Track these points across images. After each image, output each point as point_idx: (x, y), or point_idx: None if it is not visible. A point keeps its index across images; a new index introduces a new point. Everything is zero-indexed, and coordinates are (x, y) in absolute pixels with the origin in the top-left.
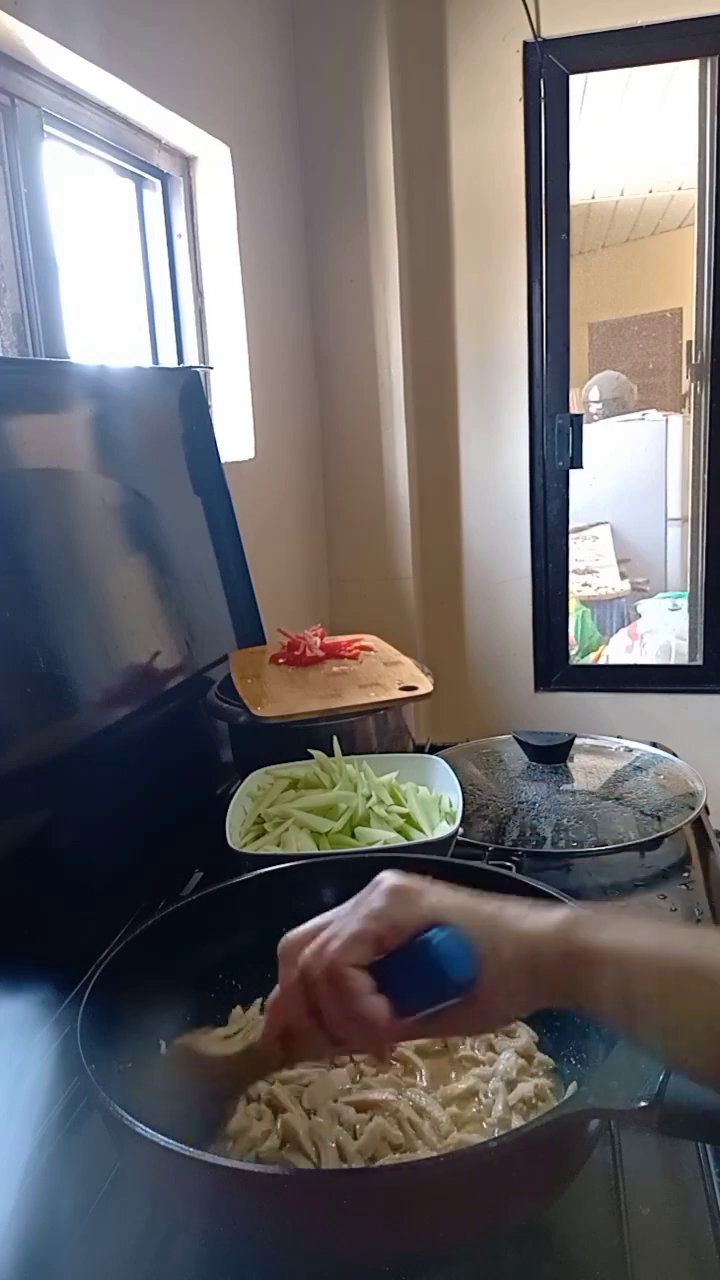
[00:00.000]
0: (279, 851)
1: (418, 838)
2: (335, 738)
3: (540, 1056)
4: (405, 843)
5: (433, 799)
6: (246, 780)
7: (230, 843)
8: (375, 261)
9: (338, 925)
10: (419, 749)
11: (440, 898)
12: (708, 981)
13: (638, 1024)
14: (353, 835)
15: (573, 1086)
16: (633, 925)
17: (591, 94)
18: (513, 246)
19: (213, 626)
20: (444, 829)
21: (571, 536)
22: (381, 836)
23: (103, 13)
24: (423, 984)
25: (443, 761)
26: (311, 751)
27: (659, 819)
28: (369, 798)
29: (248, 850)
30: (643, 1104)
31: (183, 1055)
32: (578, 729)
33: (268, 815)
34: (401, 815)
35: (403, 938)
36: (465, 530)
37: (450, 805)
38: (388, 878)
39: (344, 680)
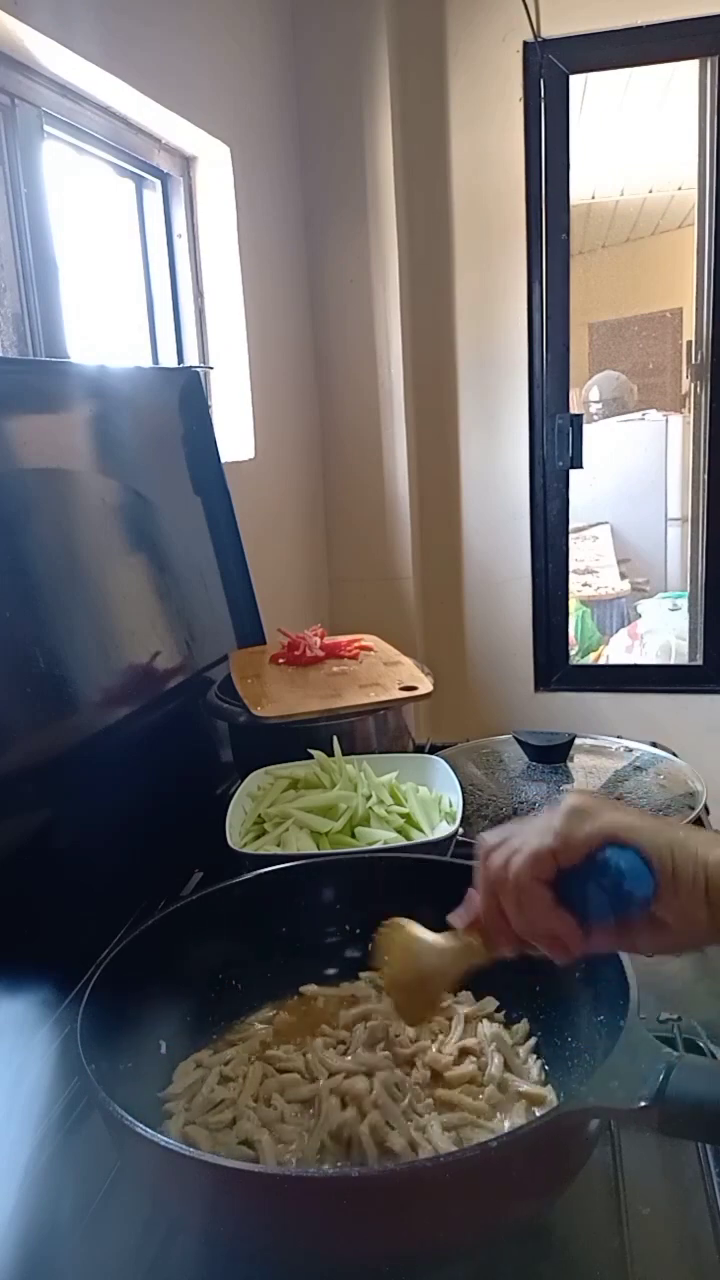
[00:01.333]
0: (279, 851)
1: (417, 838)
2: (335, 738)
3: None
4: (405, 843)
5: (433, 799)
6: (246, 780)
7: (230, 843)
8: (375, 261)
9: (522, 839)
10: (419, 749)
11: (621, 816)
12: None
13: None
14: (353, 835)
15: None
16: None
17: (591, 94)
18: (513, 246)
19: (213, 626)
20: (444, 829)
21: (571, 536)
22: (381, 836)
23: (103, 13)
24: (602, 899)
25: (443, 761)
26: (311, 751)
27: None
28: (369, 798)
29: (247, 850)
30: (643, 1104)
31: (398, 937)
32: (578, 729)
33: (268, 815)
34: (401, 815)
35: (580, 854)
36: (465, 530)
37: (450, 805)
38: (571, 797)
39: (344, 680)
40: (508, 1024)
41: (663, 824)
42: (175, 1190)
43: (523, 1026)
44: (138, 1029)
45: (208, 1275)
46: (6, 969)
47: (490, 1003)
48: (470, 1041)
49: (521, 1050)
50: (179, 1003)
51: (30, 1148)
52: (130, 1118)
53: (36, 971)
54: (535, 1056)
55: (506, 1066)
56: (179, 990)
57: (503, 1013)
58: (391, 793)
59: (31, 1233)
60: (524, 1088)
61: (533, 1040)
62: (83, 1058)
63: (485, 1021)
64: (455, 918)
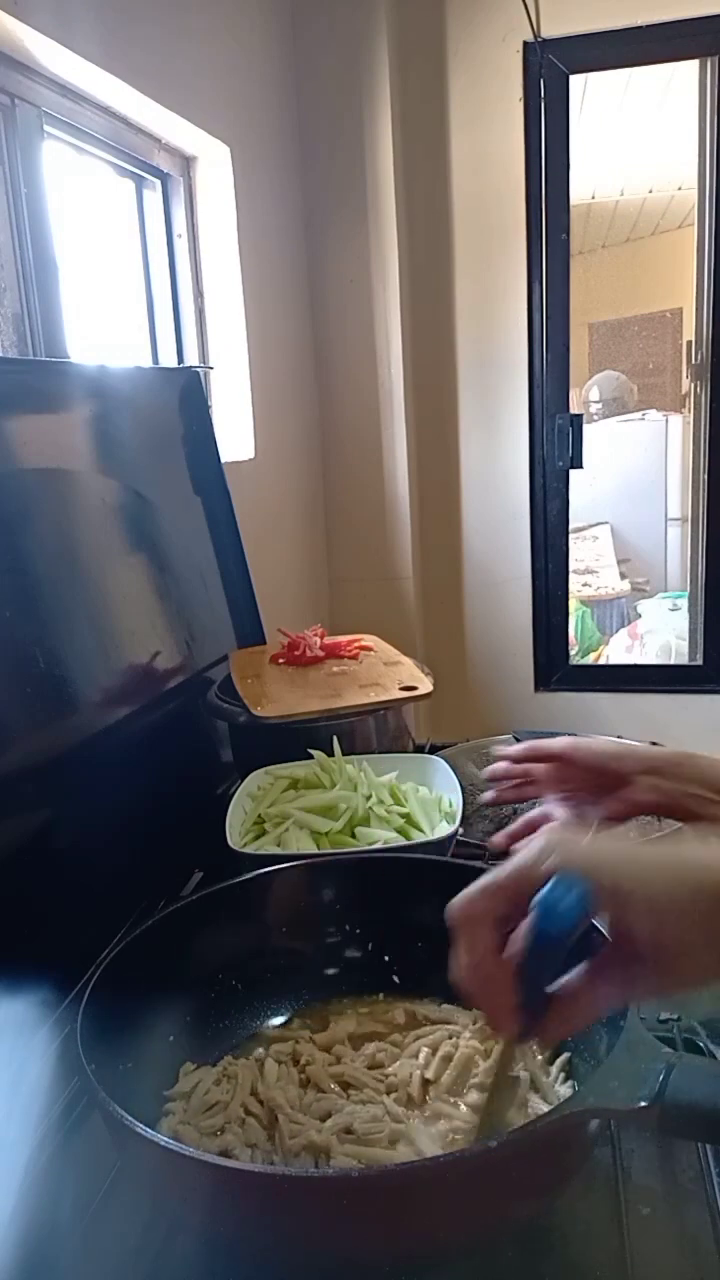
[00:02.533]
0: (278, 851)
1: (418, 837)
2: (335, 737)
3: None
4: (405, 842)
5: (433, 799)
6: (246, 780)
7: (230, 843)
8: (375, 261)
9: (490, 875)
10: (419, 749)
11: (588, 848)
12: None
13: None
14: (353, 835)
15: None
16: None
17: (591, 94)
18: (513, 246)
19: (213, 626)
20: (444, 829)
21: (571, 536)
22: (381, 836)
23: (103, 13)
24: (547, 940)
25: (443, 761)
26: (311, 751)
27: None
28: (369, 798)
29: (248, 850)
30: (643, 1104)
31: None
32: (578, 729)
33: (268, 815)
34: (402, 815)
35: (531, 891)
36: (465, 530)
37: (450, 805)
38: (548, 830)
39: (344, 680)
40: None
41: (641, 849)
42: (175, 1190)
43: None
44: (138, 1029)
45: (208, 1275)
46: (6, 969)
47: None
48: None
49: (553, 1068)
50: (179, 1003)
51: (30, 1148)
52: (130, 1118)
53: (36, 971)
54: (565, 1076)
55: (533, 1085)
56: (179, 990)
57: None
58: (392, 793)
59: (31, 1233)
60: (543, 1108)
61: (565, 1056)
62: (83, 1058)
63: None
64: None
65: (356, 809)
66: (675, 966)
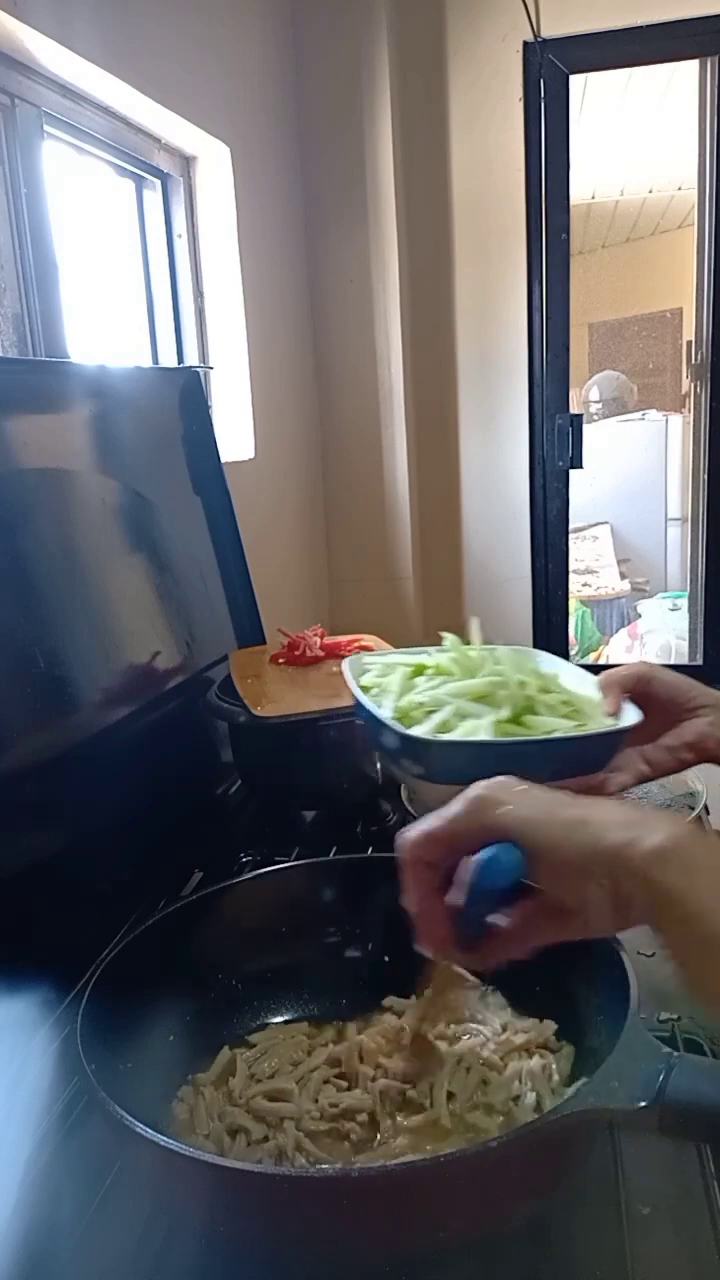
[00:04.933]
0: (465, 738)
1: (594, 728)
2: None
3: (561, 1045)
4: (588, 733)
5: (577, 689)
6: (350, 669)
7: (408, 731)
8: (375, 261)
9: (428, 819)
10: None
11: (518, 806)
12: None
13: (708, 998)
14: (517, 724)
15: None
16: None
17: (591, 94)
18: (513, 246)
19: (213, 626)
20: (631, 715)
21: (571, 536)
22: (559, 725)
23: (103, 13)
24: (482, 892)
25: (546, 654)
26: (443, 635)
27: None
28: (522, 684)
29: (439, 737)
30: (643, 1104)
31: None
32: None
33: (411, 705)
34: (564, 703)
35: (465, 848)
36: (465, 530)
37: (594, 696)
38: (479, 785)
39: (344, 680)
40: (556, 1040)
41: (556, 808)
42: (175, 1190)
43: (567, 1053)
44: (138, 1029)
45: (208, 1275)
46: (6, 969)
47: (549, 1026)
48: (513, 1089)
49: (553, 1069)
50: (179, 1002)
51: (30, 1148)
52: (130, 1118)
53: (36, 971)
54: (564, 1077)
55: (538, 1106)
56: (179, 990)
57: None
58: (543, 680)
59: (31, 1233)
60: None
61: (580, 1082)
62: (83, 1058)
63: (535, 1057)
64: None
65: (518, 696)
66: (589, 920)
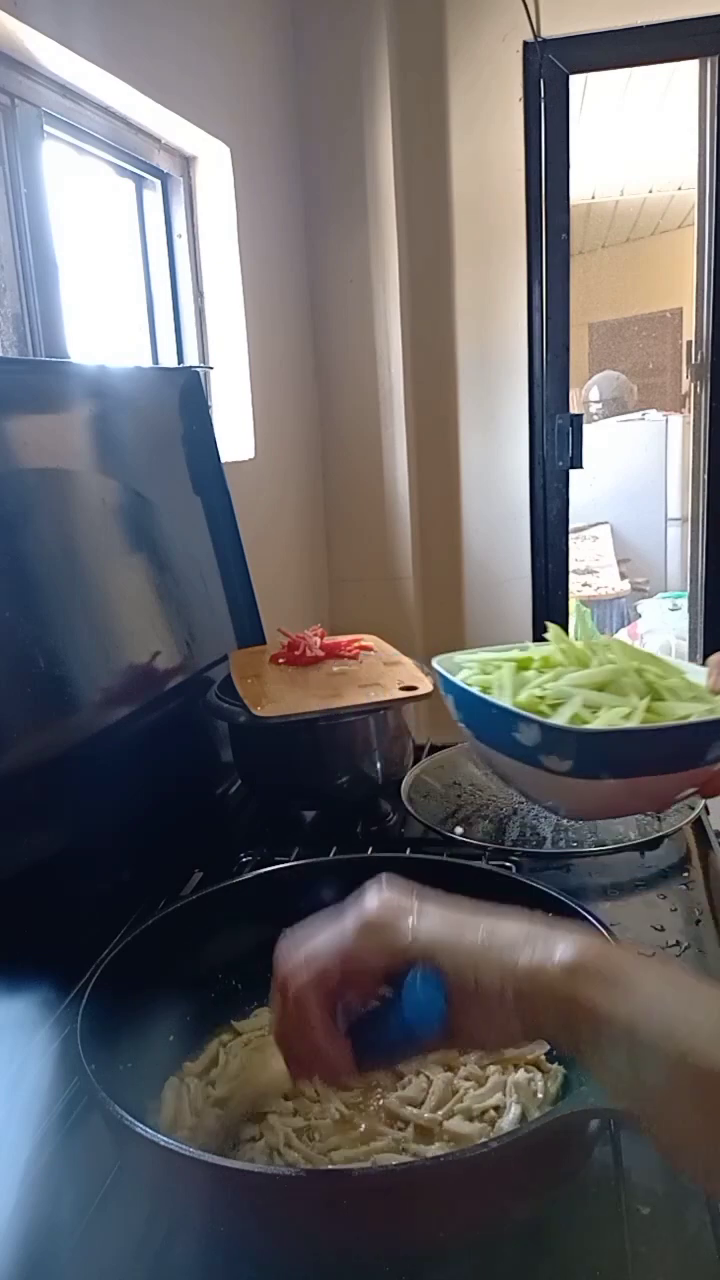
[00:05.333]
0: (610, 727)
1: None
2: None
3: (552, 1067)
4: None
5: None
6: (441, 666)
7: (559, 723)
8: (375, 261)
9: (317, 947)
10: (419, 749)
11: (422, 929)
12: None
13: (638, 1117)
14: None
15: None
16: (649, 989)
17: (591, 94)
18: (513, 246)
19: (213, 626)
20: None
21: (571, 536)
22: (694, 709)
23: (103, 13)
24: (394, 1027)
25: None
26: (549, 625)
27: (659, 819)
28: (640, 671)
29: (589, 728)
30: None
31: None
32: None
33: (533, 701)
34: (688, 687)
35: (372, 982)
36: (465, 530)
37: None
38: (369, 898)
39: (344, 680)
40: (548, 1061)
41: (461, 929)
42: (175, 1190)
43: (556, 1074)
44: (137, 1029)
45: (208, 1275)
46: (6, 969)
47: (539, 1045)
48: (495, 1099)
49: (531, 1060)
50: (179, 1002)
51: (30, 1148)
52: (130, 1118)
53: (36, 971)
54: (563, 1077)
55: (524, 1118)
56: (179, 990)
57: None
58: (658, 665)
59: (31, 1233)
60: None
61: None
62: (83, 1058)
63: (522, 1070)
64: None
65: (638, 683)
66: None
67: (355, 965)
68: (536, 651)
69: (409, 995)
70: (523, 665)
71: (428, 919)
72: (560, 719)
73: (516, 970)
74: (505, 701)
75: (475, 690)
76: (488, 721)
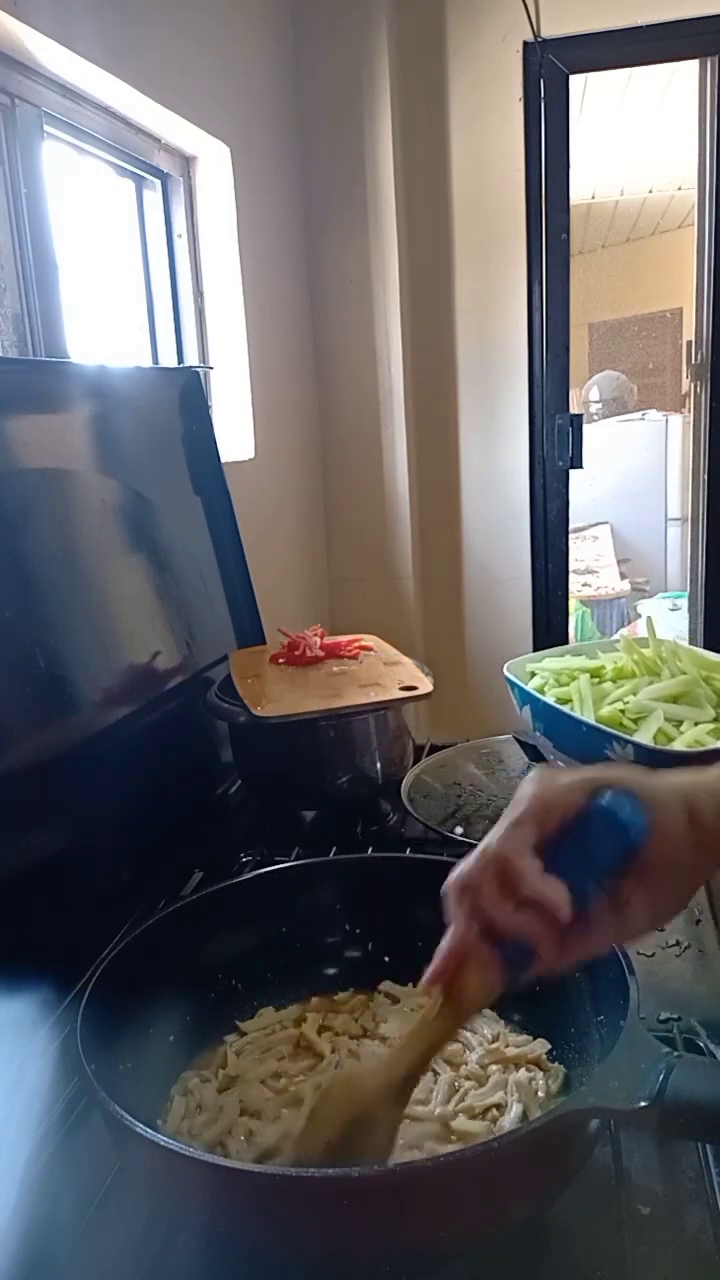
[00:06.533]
0: (692, 749)
1: None
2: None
3: (553, 1066)
4: None
5: None
6: (514, 671)
7: (639, 739)
8: (375, 261)
9: (493, 834)
10: (419, 749)
11: (591, 769)
12: None
13: None
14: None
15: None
16: None
17: (591, 94)
18: (513, 246)
19: (213, 626)
20: None
21: (571, 536)
22: None
23: (103, 13)
24: (594, 855)
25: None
26: (618, 637)
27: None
28: (708, 680)
29: (669, 748)
30: (643, 1104)
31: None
32: None
33: (612, 714)
34: None
35: (560, 814)
36: (465, 530)
37: None
38: (530, 776)
39: (344, 680)
40: (549, 1061)
41: (629, 769)
42: (175, 1190)
43: (557, 1074)
44: (138, 1029)
45: (208, 1275)
46: (6, 969)
47: (541, 1045)
48: (497, 1097)
49: (533, 1059)
50: (179, 1002)
51: (30, 1148)
52: (130, 1118)
53: (36, 971)
54: (562, 1077)
55: (525, 1117)
56: (179, 990)
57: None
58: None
59: (31, 1233)
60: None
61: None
62: (83, 1058)
63: (522, 1070)
64: (424, 982)
65: (711, 694)
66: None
67: (540, 803)
68: (608, 660)
69: (610, 803)
70: (595, 675)
71: (593, 767)
72: (645, 737)
73: (680, 783)
74: (590, 718)
75: (566, 710)
76: (575, 737)
